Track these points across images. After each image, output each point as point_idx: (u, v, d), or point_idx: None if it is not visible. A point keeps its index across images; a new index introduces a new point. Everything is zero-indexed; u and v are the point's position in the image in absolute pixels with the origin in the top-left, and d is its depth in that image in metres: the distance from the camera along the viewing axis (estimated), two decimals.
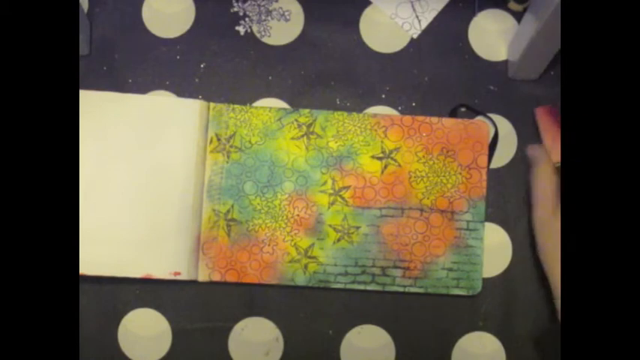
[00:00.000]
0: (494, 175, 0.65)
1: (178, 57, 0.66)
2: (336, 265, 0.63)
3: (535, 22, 0.57)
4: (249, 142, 0.64)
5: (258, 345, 0.64)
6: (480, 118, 0.65)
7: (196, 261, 0.63)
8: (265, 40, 0.67)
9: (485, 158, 0.64)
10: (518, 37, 0.64)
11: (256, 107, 0.65)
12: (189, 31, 0.67)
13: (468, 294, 0.63)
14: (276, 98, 0.66)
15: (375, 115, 0.64)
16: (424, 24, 0.67)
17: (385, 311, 0.64)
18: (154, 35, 0.67)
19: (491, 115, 0.65)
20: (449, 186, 0.64)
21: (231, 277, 0.63)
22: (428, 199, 0.64)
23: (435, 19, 0.67)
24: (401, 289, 0.63)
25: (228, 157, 0.64)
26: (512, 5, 0.66)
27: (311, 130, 0.64)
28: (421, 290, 0.63)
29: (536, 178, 0.60)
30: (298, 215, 0.63)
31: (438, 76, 0.66)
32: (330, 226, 0.63)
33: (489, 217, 0.64)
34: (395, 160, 0.64)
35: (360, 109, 0.66)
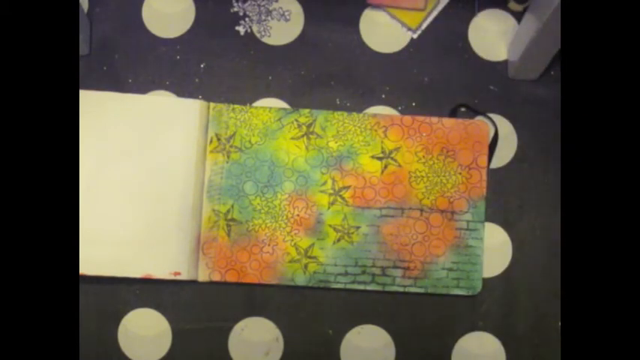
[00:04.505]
0: (494, 175, 0.65)
1: (178, 57, 0.66)
2: (336, 265, 0.63)
3: (535, 22, 0.57)
4: (249, 142, 0.64)
5: (258, 345, 0.64)
6: (479, 118, 0.65)
7: (196, 261, 0.63)
8: (265, 40, 0.67)
9: (485, 158, 0.64)
10: (518, 37, 0.64)
11: (256, 107, 0.65)
12: (189, 31, 0.67)
13: (468, 294, 0.63)
14: (276, 98, 0.66)
15: (375, 115, 0.64)
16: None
17: (385, 311, 0.64)
18: (154, 35, 0.67)
19: (491, 115, 0.65)
20: (449, 186, 0.64)
21: (231, 277, 0.63)
22: (428, 199, 0.64)
23: (435, 19, 0.67)
24: (401, 289, 0.63)
25: (228, 157, 0.64)
26: (512, 5, 0.66)
27: (311, 130, 0.64)
28: (421, 290, 0.63)
29: None
30: (298, 215, 0.63)
31: (438, 76, 0.66)
32: (330, 226, 0.63)
33: (489, 217, 0.64)
34: (395, 160, 0.64)
35: (360, 109, 0.66)
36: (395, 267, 0.63)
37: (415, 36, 0.67)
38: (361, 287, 0.63)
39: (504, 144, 0.65)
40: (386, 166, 0.64)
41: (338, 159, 0.64)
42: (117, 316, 0.64)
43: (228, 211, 0.63)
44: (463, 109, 0.66)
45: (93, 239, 0.62)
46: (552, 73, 0.66)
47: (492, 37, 0.66)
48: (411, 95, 0.66)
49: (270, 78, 0.66)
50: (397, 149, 0.64)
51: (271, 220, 0.63)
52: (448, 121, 0.64)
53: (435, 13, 0.67)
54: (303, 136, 0.64)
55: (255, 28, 0.67)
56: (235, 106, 0.65)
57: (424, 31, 0.67)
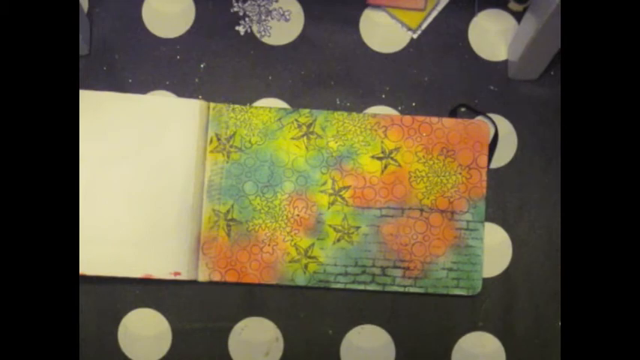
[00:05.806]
0: (494, 175, 0.65)
1: (178, 57, 0.66)
2: (336, 265, 0.63)
3: (535, 22, 0.57)
4: (249, 142, 0.64)
5: (258, 345, 0.64)
6: (479, 118, 0.65)
7: (196, 261, 0.63)
8: (265, 40, 0.67)
9: (485, 158, 0.64)
10: (518, 37, 0.64)
11: (256, 107, 0.65)
12: (189, 31, 0.67)
13: (468, 294, 0.63)
14: (276, 98, 0.66)
15: (375, 115, 0.64)
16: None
17: (385, 311, 0.64)
18: (154, 35, 0.67)
19: (491, 115, 0.65)
20: (449, 186, 0.64)
21: (231, 277, 0.63)
22: (428, 199, 0.64)
23: (435, 19, 0.67)
24: (401, 289, 0.63)
25: (228, 157, 0.64)
26: (512, 5, 0.66)
27: (311, 130, 0.64)
28: (421, 290, 0.63)
29: None
30: (298, 215, 0.63)
31: (438, 76, 0.66)
32: (330, 226, 0.63)
33: (489, 217, 0.64)
34: (395, 160, 0.64)
35: (360, 109, 0.66)
36: (395, 267, 0.63)
37: (415, 36, 0.67)
38: (361, 287, 0.63)
39: (504, 144, 0.65)
40: (386, 166, 0.64)
41: (338, 159, 0.64)
42: (117, 316, 0.64)
43: (228, 211, 0.63)
44: (463, 109, 0.66)
45: (93, 239, 0.62)
46: (552, 73, 0.66)
47: (492, 37, 0.66)
48: (411, 95, 0.66)
49: (270, 78, 0.66)
50: (397, 149, 0.64)
51: (271, 220, 0.63)
52: (448, 121, 0.64)
53: (434, 13, 0.67)
54: (303, 136, 0.64)
55: (255, 28, 0.67)
56: (235, 106, 0.65)
57: (424, 31, 0.67)
